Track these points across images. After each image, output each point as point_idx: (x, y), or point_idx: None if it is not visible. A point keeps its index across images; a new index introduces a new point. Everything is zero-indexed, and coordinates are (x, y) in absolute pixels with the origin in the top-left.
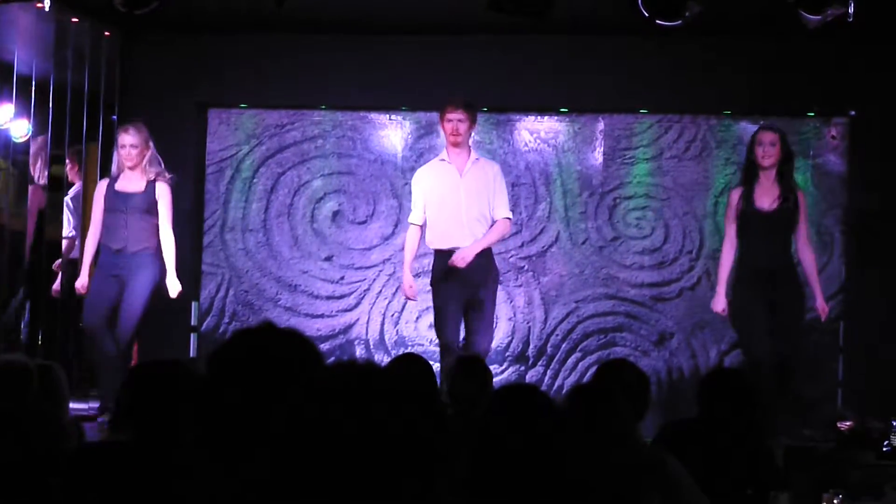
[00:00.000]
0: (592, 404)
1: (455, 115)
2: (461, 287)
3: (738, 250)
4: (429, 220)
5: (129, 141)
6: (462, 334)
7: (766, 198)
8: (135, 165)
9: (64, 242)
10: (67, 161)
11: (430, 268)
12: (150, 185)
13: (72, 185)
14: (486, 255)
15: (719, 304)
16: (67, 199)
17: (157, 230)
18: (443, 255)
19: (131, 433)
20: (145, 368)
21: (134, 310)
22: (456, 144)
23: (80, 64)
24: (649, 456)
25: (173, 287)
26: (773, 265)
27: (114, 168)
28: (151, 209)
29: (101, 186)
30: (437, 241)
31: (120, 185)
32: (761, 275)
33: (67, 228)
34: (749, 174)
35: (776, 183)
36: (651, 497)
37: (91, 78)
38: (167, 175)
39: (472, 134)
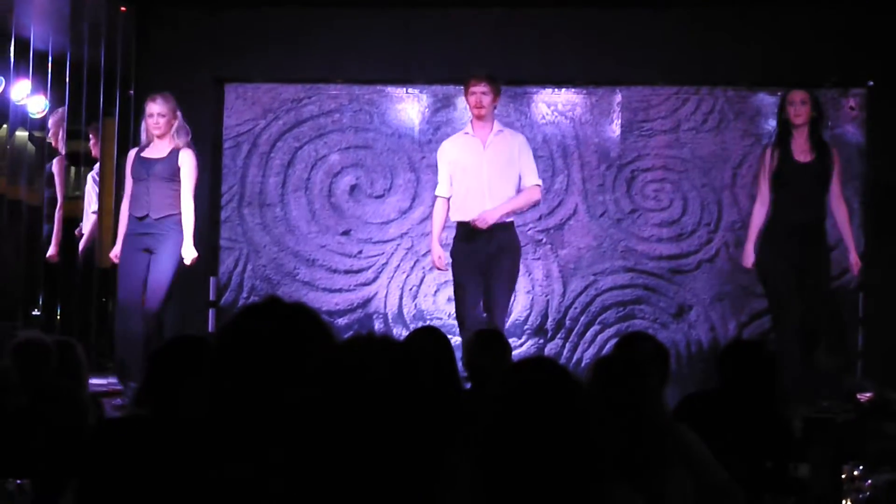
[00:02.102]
0: (618, 375)
1: (479, 88)
2: (480, 259)
3: (771, 206)
4: (454, 192)
5: (156, 110)
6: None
7: (803, 152)
8: (163, 134)
9: (92, 218)
10: (91, 136)
11: (453, 239)
12: (174, 152)
13: (95, 160)
14: (508, 229)
15: (748, 259)
16: (92, 174)
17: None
18: (464, 228)
19: (152, 408)
20: (167, 344)
21: (160, 283)
22: (480, 117)
23: (96, 39)
24: (673, 427)
25: (188, 254)
26: (807, 219)
27: (143, 137)
28: (174, 176)
29: (130, 155)
30: (459, 214)
31: (146, 153)
32: (793, 231)
33: (94, 204)
34: (782, 133)
35: (809, 140)
36: (675, 468)
37: (107, 53)
38: (192, 145)
39: (496, 106)
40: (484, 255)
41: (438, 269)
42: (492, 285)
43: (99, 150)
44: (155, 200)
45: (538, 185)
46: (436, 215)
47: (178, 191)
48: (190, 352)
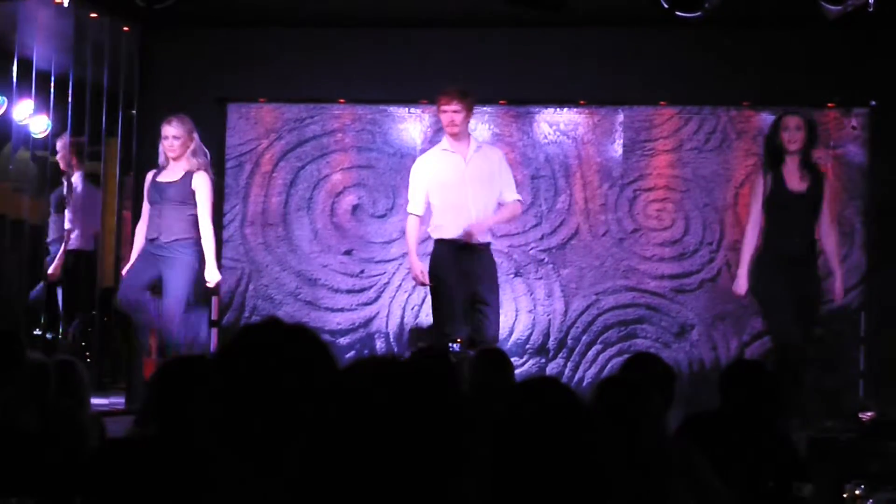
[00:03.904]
0: (622, 396)
1: (450, 107)
2: (461, 278)
3: (763, 233)
4: (433, 209)
5: (171, 132)
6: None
7: (796, 180)
8: (178, 156)
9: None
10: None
11: (430, 257)
12: (188, 175)
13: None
14: (485, 249)
15: (741, 286)
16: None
17: (195, 221)
18: (444, 245)
19: (156, 429)
20: (170, 364)
21: (174, 307)
22: (454, 135)
23: (99, 59)
24: (676, 448)
25: (212, 277)
26: (800, 246)
27: (161, 159)
28: (187, 199)
29: (148, 178)
30: (439, 231)
31: (160, 176)
32: (785, 257)
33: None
34: (774, 159)
35: (802, 166)
36: (678, 489)
37: (110, 73)
38: (210, 167)
39: (471, 122)
40: (466, 269)
41: (422, 284)
42: (478, 307)
43: (73, 167)
44: (166, 224)
45: (519, 201)
46: (410, 233)
47: (192, 214)
48: (191, 371)
